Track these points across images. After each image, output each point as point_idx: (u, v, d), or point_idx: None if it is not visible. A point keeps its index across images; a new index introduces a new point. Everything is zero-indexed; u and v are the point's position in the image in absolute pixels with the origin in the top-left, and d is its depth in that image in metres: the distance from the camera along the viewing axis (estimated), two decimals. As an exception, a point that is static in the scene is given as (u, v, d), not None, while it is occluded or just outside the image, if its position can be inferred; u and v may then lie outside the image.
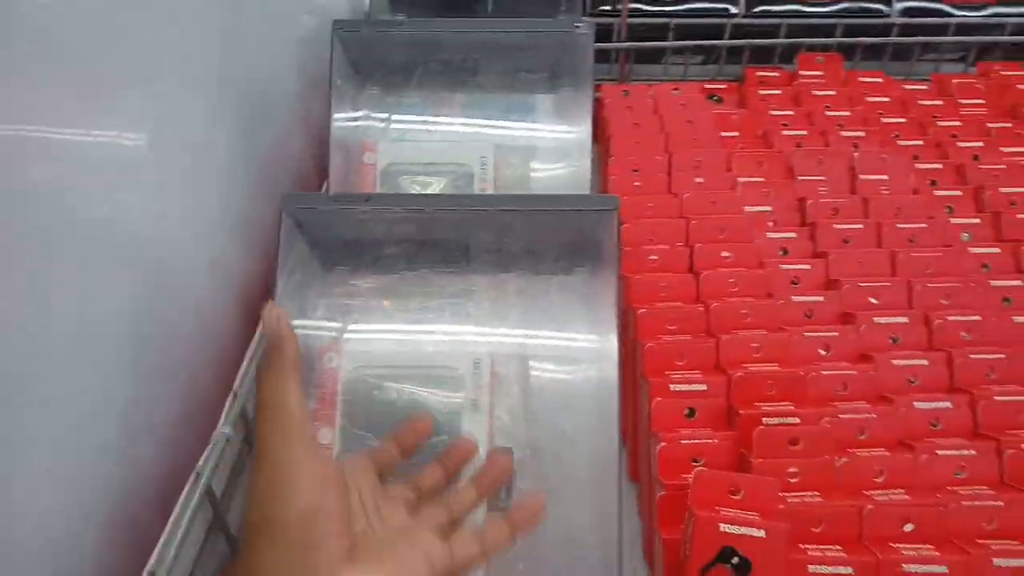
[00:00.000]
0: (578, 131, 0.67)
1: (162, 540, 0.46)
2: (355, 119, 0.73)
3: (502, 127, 0.72)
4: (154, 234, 0.50)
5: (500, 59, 0.70)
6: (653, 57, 1.04)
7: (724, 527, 0.48)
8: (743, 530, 0.48)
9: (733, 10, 1.00)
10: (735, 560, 0.48)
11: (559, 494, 0.53)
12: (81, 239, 0.42)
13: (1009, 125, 0.88)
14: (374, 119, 0.74)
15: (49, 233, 0.39)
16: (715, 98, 0.97)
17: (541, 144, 0.71)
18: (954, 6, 1.01)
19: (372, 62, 0.72)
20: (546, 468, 0.55)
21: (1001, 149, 0.85)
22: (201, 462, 0.51)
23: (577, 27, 0.67)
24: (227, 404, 0.55)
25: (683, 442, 0.56)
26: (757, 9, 1.00)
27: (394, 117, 0.74)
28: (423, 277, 0.59)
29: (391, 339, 0.58)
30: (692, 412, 0.59)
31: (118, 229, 0.46)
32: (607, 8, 0.99)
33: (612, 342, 0.53)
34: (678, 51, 1.01)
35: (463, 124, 0.73)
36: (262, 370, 0.42)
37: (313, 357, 0.57)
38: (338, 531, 0.40)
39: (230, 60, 0.61)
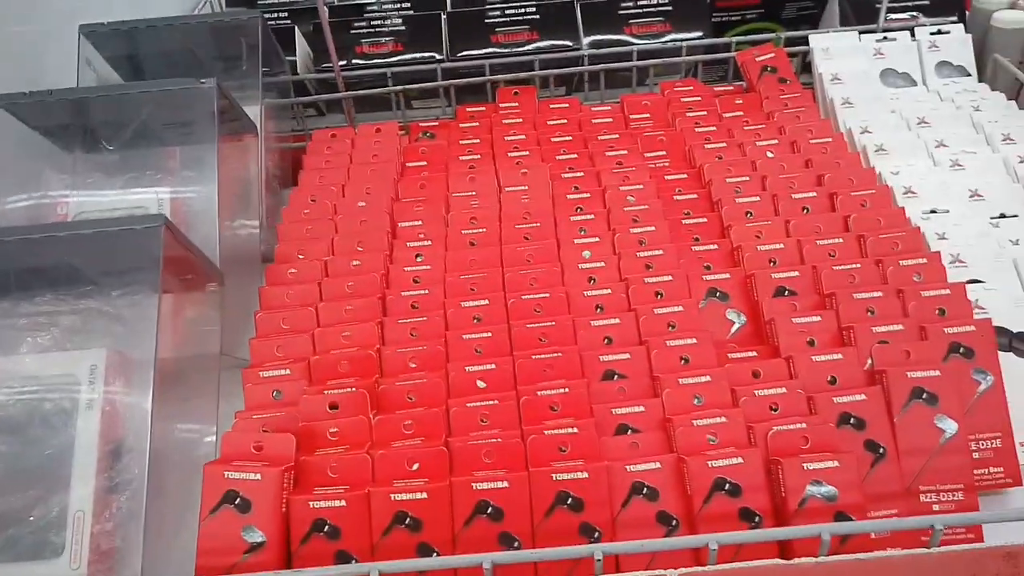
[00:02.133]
0: (207, 185, 0.78)
1: None
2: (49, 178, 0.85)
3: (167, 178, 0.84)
4: None
5: (149, 115, 0.82)
6: (384, 105, 1.17)
7: (228, 474, 0.58)
8: (241, 476, 0.58)
9: (439, 56, 1.14)
10: (237, 501, 0.58)
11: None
12: None
13: (659, 133, 1.01)
14: (63, 179, 0.86)
15: None
16: (428, 134, 1.10)
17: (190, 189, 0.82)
18: (634, 35, 1.14)
19: (49, 128, 0.84)
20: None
21: (645, 154, 0.97)
22: None
23: (202, 83, 0.79)
24: None
25: (254, 416, 0.67)
26: (460, 53, 1.14)
27: (79, 176, 0.86)
28: (44, 300, 0.70)
29: (18, 355, 0.69)
30: (279, 393, 0.70)
31: None
32: (327, 65, 1.12)
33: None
34: (399, 95, 1.14)
35: (134, 175, 0.85)
36: None
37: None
38: None
39: None
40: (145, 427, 0.64)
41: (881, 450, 0.64)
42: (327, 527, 0.59)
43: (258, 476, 0.58)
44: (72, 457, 0.66)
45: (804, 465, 0.60)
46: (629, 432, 0.66)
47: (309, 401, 0.66)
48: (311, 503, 0.59)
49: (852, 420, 0.64)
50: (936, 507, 0.63)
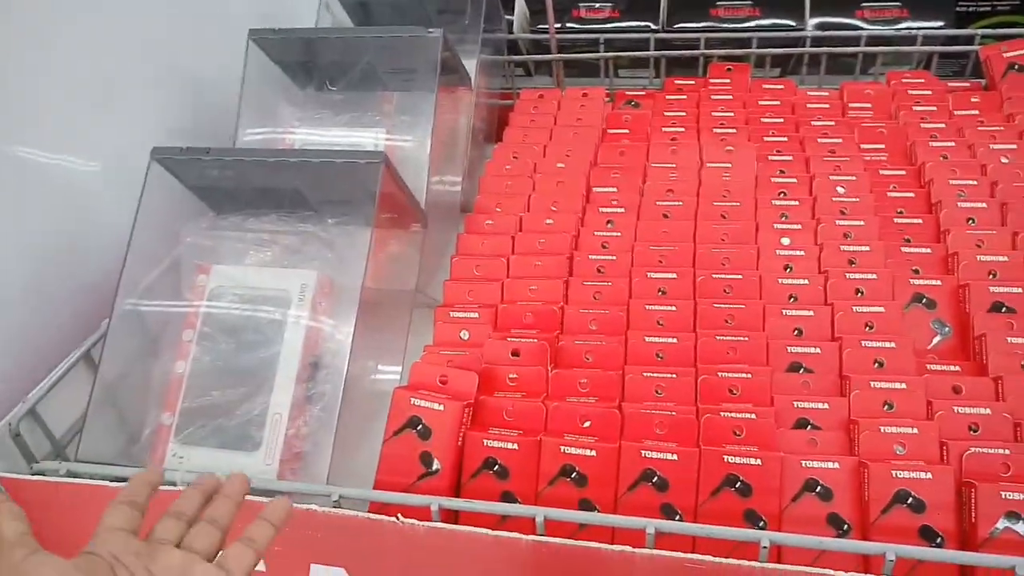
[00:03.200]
0: (421, 132, 0.82)
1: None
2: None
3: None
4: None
5: (377, 60, 0.87)
6: (592, 71, 1.17)
7: (414, 401, 0.62)
8: (426, 404, 0.62)
9: (654, 26, 1.12)
10: (419, 427, 0.62)
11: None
12: None
13: (880, 125, 0.95)
14: (294, 112, 0.93)
15: None
16: (633, 103, 1.09)
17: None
18: (866, 20, 1.07)
19: (289, 64, 0.92)
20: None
21: (861, 145, 0.92)
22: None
23: (430, 32, 0.83)
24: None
25: (441, 352, 0.70)
26: (677, 25, 1.12)
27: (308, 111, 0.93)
28: (270, 219, 0.77)
29: (243, 266, 0.76)
30: (466, 333, 0.73)
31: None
32: (543, 26, 1.14)
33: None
34: (608, 62, 1.14)
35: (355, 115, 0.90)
36: None
37: (186, 276, 0.76)
38: None
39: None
40: (345, 348, 0.69)
41: (1098, 494, 0.57)
42: (497, 466, 0.61)
43: (441, 407, 0.62)
44: (277, 364, 0.72)
45: (1003, 493, 0.56)
46: (809, 427, 0.64)
47: (493, 345, 0.68)
48: (485, 441, 0.62)
49: (1066, 456, 0.59)
50: None
